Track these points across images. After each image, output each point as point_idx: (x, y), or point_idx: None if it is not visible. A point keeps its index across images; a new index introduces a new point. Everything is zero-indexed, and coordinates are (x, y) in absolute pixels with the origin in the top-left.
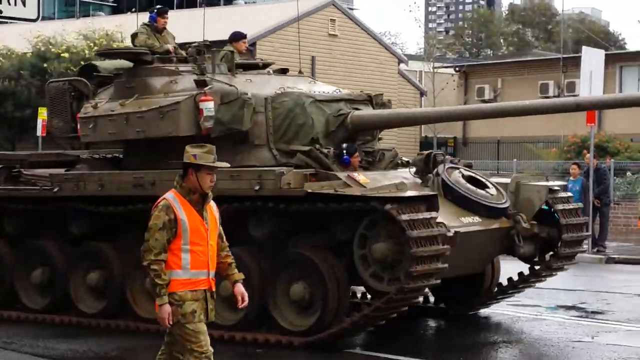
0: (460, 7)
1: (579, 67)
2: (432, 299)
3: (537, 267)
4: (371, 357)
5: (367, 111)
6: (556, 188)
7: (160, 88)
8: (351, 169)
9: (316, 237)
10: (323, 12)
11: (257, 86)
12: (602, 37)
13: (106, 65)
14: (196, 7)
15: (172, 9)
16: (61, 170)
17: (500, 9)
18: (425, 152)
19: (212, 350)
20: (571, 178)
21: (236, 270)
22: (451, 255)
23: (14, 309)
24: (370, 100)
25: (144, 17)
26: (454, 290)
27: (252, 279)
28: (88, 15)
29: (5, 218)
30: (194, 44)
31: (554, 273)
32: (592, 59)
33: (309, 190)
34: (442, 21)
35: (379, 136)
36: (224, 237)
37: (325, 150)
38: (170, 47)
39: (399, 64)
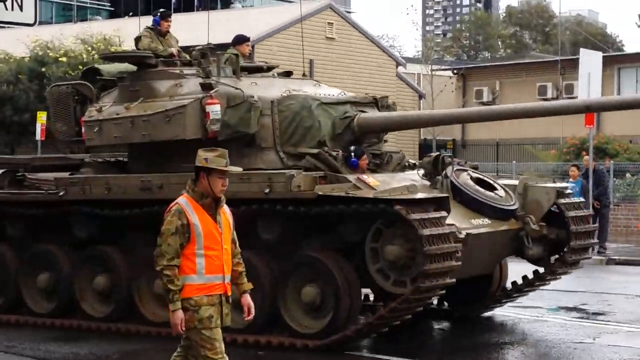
0: (458, 9)
1: (577, 69)
2: (435, 300)
3: (542, 272)
4: None
5: (373, 114)
6: (568, 191)
7: (165, 91)
8: (359, 171)
9: (326, 239)
10: (321, 15)
11: (263, 89)
12: (599, 39)
13: (109, 68)
14: (193, 11)
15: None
16: (65, 174)
17: (498, 12)
18: (434, 155)
19: (227, 358)
20: (570, 180)
21: (245, 280)
22: (461, 257)
23: (19, 313)
24: (376, 102)
25: (144, 20)
26: (461, 292)
27: (262, 282)
28: (85, 20)
29: (9, 222)
30: (198, 47)
31: (558, 277)
32: (590, 61)
33: (320, 193)
34: (439, 24)
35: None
36: (237, 243)
37: (334, 153)
38: (174, 50)
39: (397, 67)
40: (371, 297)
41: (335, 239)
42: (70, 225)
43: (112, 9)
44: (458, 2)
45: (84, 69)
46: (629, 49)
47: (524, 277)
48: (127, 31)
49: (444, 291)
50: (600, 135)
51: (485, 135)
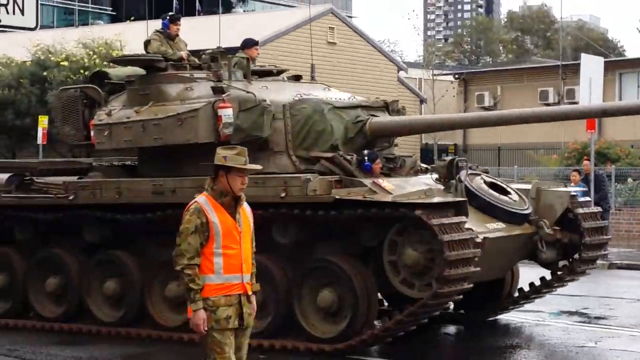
0: (459, 14)
1: (579, 74)
2: (451, 305)
3: (559, 272)
4: None
5: (385, 118)
6: (577, 194)
7: (175, 95)
8: (373, 175)
9: (341, 243)
10: (322, 20)
11: (274, 93)
12: (601, 45)
13: (117, 72)
14: (195, 15)
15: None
16: (74, 178)
17: (499, 17)
18: (448, 159)
19: None
20: (572, 184)
21: (254, 281)
22: (478, 262)
23: (26, 317)
24: (387, 106)
25: (150, 24)
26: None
27: (277, 286)
28: (87, 24)
29: (17, 226)
30: (208, 51)
31: (576, 278)
32: (591, 66)
33: (337, 197)
34: (441, 29)
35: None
36: (254, 243)
37: (349, 157)
38: (183, 54)
39: (398, 72)
40: (386, 302)
41: (352, 243)
42: (79, 229)
43: (114, 13)
44: (459, 7)
45: (92, 72)
46: (630, 54)
47: (542, 279)
48: (128, 35)
49: (461, 296)
50: (602, 140)
51: (487, 140)
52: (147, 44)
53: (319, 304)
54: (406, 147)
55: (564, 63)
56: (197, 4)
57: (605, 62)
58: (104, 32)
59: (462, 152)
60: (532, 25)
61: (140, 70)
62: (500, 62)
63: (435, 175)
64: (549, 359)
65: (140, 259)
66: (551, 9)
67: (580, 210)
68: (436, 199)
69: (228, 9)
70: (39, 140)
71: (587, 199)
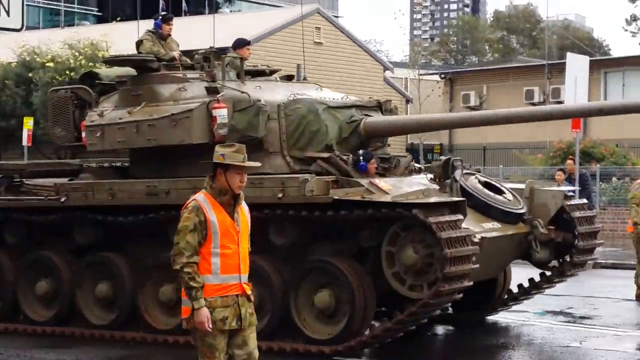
0: (445, 14)
1: (564, 73)
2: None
3: (549, 274)
4: None
5: (380, 118)
6: (570, 194)
7: (168, 96)
8: (368, 175)
9: (338, 244)
10: (308, 20)
11: (267, 93)
12: (586, 44)
13: (108, 72)
14: (181, 15)
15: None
16: (64, 180)
17: (485, 16)
18: (444, 159)
19: None
20: (556, 184)
21: None
22: (476, 261)
23: (16, 321)
24: (380, 106)
25: (128, 26)
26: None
27: (273, 287)
28: (73, 25)
29: (6, 228)
30: (200, 51)
31: (564, 279)
32: (577, 65)
33: (336, 197)
34: (427, 28)
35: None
36: (249, 243)
37: (345, 157)
38: (175, 54)
39: (384, 71)
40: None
41: (348, 244)
42: (71, 231)
43: (100, 13)
44: (446, 6)
45: (82, 73)
46: (615, 53)
47: (530, 280)
48: (114, 36)
49: (461, 295)
50: (587, 139)
51: (473, 139)
52: (139, 44)
53: (316, 305)
54: (391, 147)
55: (549, 62)
56: (184, 4)
57: (590, 61)
58: (89, 33)
59: (448, 151)
60: (518, 24)
61: (131, 71)
62: (486, 62)
63: (430, 175)
64: (534, 359)
65: (132, 260)
66: (537, 8)
67: (577, 214)
68: (436, 199)
69: (215, 9)
70: (24, 142)
71: (583, 200)
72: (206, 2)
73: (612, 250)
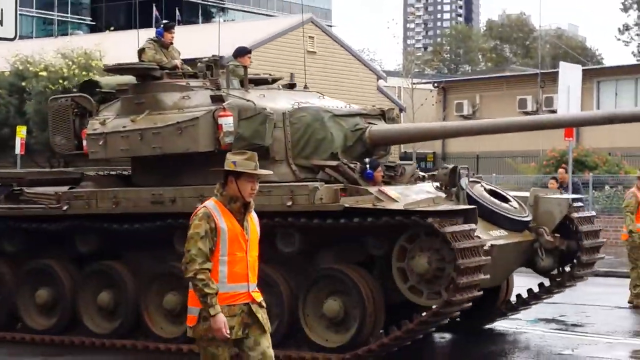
0: (439, 23)
1: (557, 83)
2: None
3: (558, 279)
4: None
5: (385, 126)
6: (579, 204)
7: (172, 104)
8: (374, 183)
9: (346, 252)
10: (301, 29)
11: (271, 101)
12: (579, 53)
13: (108, 81)
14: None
15: (151, 26)
16: (64, 188)
17: (478, 25)
18: (450, 167)
19: None
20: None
21: None
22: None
23: (14, 330)
24: (383, 115)
25: (121, 35)
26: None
27: (281, 296)
28: (66, 34)
29: (6, 237)
30: (204, 59)
31: (575, 283)
32: (570, 74)
33: (347, 205)
34: (420, 37)
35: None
36: (258, 252)
37: (352, 165)
38: (178, 62)
39: (377, 80)
40: None
41: (357, 252)
42: (72, 239)
43: (93, 23)
44: (439, 15)
45: (82, 81)
46: (608, 62)
47: (540, 285)
48: (107, 45)
49: (470, 304)
50: (580, 147)
51: (466, 148)
52: (141, 52)
53: (325, 313)
54: None
55: (542, 71)
56: (177, 13)
57: (583, 70)
58: (83, 42)
59: (441, 160)
60: (511, 33)
61: (131, 79)
62: (479, 71)
63: (436, 183)
64: None
65: (135, 269)
66: (530, 17)
67: (576, 215)
68: (449, 207)
69: (208, 18)
70: (17, 151)
71: (593, 213)
72: (199, 12)
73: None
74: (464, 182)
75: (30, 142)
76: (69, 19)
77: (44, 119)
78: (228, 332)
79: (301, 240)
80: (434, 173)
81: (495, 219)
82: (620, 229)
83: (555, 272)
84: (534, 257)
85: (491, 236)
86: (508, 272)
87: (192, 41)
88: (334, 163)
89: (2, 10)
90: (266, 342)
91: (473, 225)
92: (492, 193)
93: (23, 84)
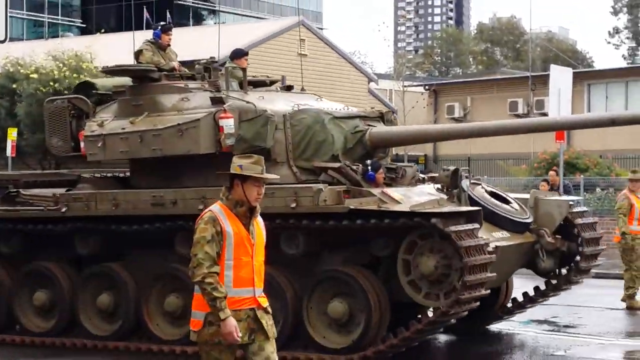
0: (429, 26)
1: (548, 86)
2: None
3: (554, 282)
4: None
5: (385, 128)
6: (573, 204)
7: (171, 106)
8: (376, 185)
9: (350, 253)
10: (293, 31)
11: (270, 103)
12: (569, 56)
13: (104, 82)
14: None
15: (142, 29)
16: (61, 190)
17: (469, 28)
18: (452, 169)
19: None
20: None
21: None
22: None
23: (12, 333)
24: (382, 117)
25: (112, 37)
26: None
27: (285, 298)
28: (57, 36)
29: (3, 240)
30: (201, 61)
31: (570, 287)
32: (560, 77)
33: (352, 207)
34: (411, 40)
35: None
36: (264, 257)
37: (355, 167)
38: (175, 64)
39: (368, 83)
40: None
41: (360, 253)
42: (70, 241)
43: (84, 25)
44: (429, 18)
45: (78, 83)
46: (599, 65)
47: (535, 288)
48: (98, 48)
49: (478, 303)
50: (571, 150)
51: (457, 150)
52: (138, 53)
53: (330, 314)
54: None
55: (533, 74)
56: (168, 16)
57: (574, 73)
58: (73, 45)
59: (433, 162)
60: (502, 36)
61: (127, 81)
62: (470, 74)
63: (437, 185)
64: None
65: (135, 271)
66: (520, 20)
67: (580, 221)
68: (454, 208)
69: (198, 21)
70: (8, 153)
71: (595, 219)
72: (190, 14)
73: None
74: (465, 183)
75: (21, 144)
76: (59, 21)
77: (35, 121)
78: (239, 335)
79: (305, 242)
80: (434, 175)
81: (497, 221)
82: (612, 231)
83: (552, 274)
84: (534, 258)
85: (494, 237)
86: (509, 274)
87: (182, 43)
88: (336, 165)
89: None
90: (270, 348)
91: (477, 225)
92: (493, 195)
93: (14, 86)
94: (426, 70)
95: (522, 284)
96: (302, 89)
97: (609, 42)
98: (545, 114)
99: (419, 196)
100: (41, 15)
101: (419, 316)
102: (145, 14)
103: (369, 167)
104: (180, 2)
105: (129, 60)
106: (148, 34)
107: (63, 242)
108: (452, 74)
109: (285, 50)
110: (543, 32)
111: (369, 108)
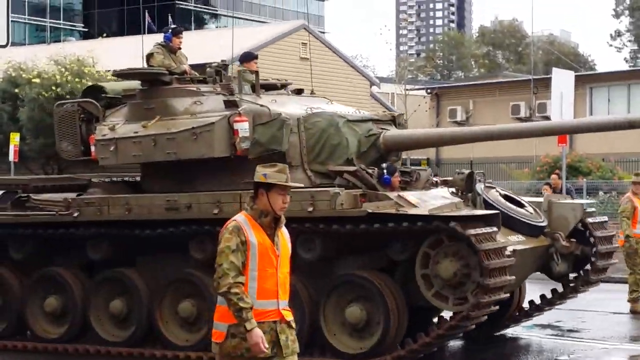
0: (431, 29)
1: (550, 89)
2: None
3: (572, 284)
4: None
5: (398, 131)
6: (586, 207)
7: (184, 109)
8: (391, 189)
9: (367, 258)
10: (295, 35)
11: (283, 106)
12: (571, 59)
13: (113, 86)
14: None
15: (144, 32)
16: (72, 195)
17: (471, 31)
18: (466, 172)
19: None
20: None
21: None
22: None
23: (23, 339)
24: (394, 120)
25: (114, 42)
26: None
27: (301, 302)
28: (59, 41)
29: (13, 245)
30: (213, 64)
31: (588, 288)
32: (563, 80)
33: (370, 211)
34: (413, 44)
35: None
36: (289, 268)
37: (370, 171)
38: (186, 67)
39: (371, 87)
40: None
41: (377, 257)
42: (82, 246)
43: (86, 30)
44: (431, 22)
45: (86, 86)
46: (601, 68)
47: (553, 291)
48: (100, 52)
49: (497, 307)
50: (573, 153)
51: (460, 154)
52: (149, 57)
53: (347, 319)
54: None
55: (535, 77)
56: (170, 20)
57: (576, 76)
58: (75, 49)
59: (435, 166)
60: (504, 39)
61: (137, 84)
62: (472, 77)
63: (452, 189)
64: None
65: (149, 276)
66: (522, 23)
67: (590, 220)
68: (474, 212)
69: (200, 25)
70: (11, 158)
71: (605, 218)
72: (192, 18)
73: None
74: (479, 187)
75: (24, 149)
76: (61, 26)
77: (37, 126)
78: (267, 346)
79: (322, 247)
80: (446, 179)
81: (512, 224)
82: (616, 234)
83: (570, 276)
84: (549, 262)
85: (510, 241)
86: (524, 277)
87: (184, 47)
88: (351, 168)
89: None
90: None
91: (495, 228)
92: (507, 198)
93: (16, 90)
94: (428, 73)
95: (531, 289)
96: (312, 92)
97: (610, 45)
98: (547, 117)
99: (434, 200)
100: (43, 19)
101: (435, 320)
102: (148, 18)
103: (385, 171)
104: (182, 6)
105: (131, 64)
106: (151, 38)
107: (74, 247)
108: (454, 77)
109: (287, 54)
110: (545, 35)
111: (380, 112)
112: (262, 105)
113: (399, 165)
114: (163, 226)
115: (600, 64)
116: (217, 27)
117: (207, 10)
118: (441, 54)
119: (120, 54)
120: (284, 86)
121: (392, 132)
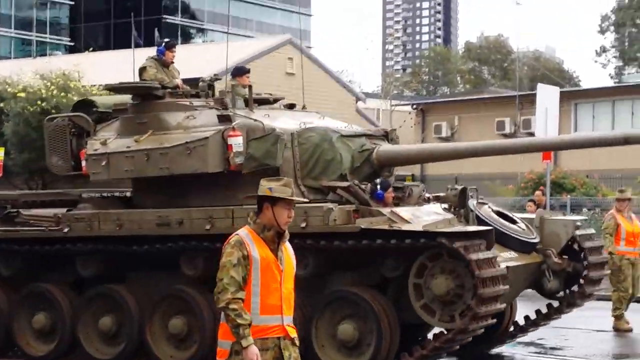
0: (417, 45)
1: (535, 105)
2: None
3: (559, 303)
4: None
5: (391, 147)
6: (579, 224)
7: (176, 124)
8: (385, 204)
9: (359, 274)
10: (280, 50)
11: (277, 121)
12: (556, 75)
13: (104, 100)
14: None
15: (130, 47)
16: (63, 210)
17: (457, 47)
18: (459, 188)
19: None
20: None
21: None
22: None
23: (8, 356)
24: (386, 135)
25: (100, 56)
26: None
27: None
28: (45, 55)
29: (1, 261)
30: (206, 78)
31: (582, 303)
32: (547, 96)
33: (363, 227)
34: (399, 59)
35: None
36: (293, 284)
37: (363, 186)
38: (179, 81)
39: (356, 102)
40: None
41: (370, 274)
42: (72, 263)
43: (72, 44)
44: (417, 37)
45: (77, 101)
46: (586, 84)
47: (537, 311)
48: (86, 66)
49: (495, 320)
50: (558, 170)
51: (445, 170)
52: (142, 70)
53: (339, 336)
54: None
55: (520, 93)
56: (157, 34)
57: (561, 92)
58: (61, 63)
59: (420, 182)
60: (489, 55)
61: (128, 99)
62: (457, 93)
63: (444, 205)
64: None
65: (138, 292)
66: (508, 39)
67: (588, 244)
68: (468, 228)
69: (187, 39)
70: None
71: (592, 231)
72: (179, 33)
73: None
74: (472, 203)
75: (8, 163)
76: (47, 40)
77: (22, 140)
78: None
79: (314, 263)
80: (439, 195)
81: (504, 241)
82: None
83: (561, 293)
84: (541, 279)
85: (503, 257)
86: (515, 294)
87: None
88: (345, 184)
89: None
90: None
91: (496, 252)
92: (500, 214)
93: (1, 105)
94: (414, 89)
95: (521, 306)
96: (304, 107)
97: (595, 61)
98: (532, 134)
99: (427, 216)
100: (29, 33)
101: (428, 335)
102: (134, 33)
103: (378, 186)
104: (168, 20)
105: (117, 78)
106: (138, 52)
107: (64, 263)
108: (440, 93)
109: (273, 68)
110: (530, 51)
111: (365, 127)
112: (255, 120)
113: (393, 180)
114: (154, 242)
115: (585, 80)
116: (203, 42)
117: (193, 25)
118: (427, 69)
119: (106, 68)
120: (276, 100)
121: (385, 147)
